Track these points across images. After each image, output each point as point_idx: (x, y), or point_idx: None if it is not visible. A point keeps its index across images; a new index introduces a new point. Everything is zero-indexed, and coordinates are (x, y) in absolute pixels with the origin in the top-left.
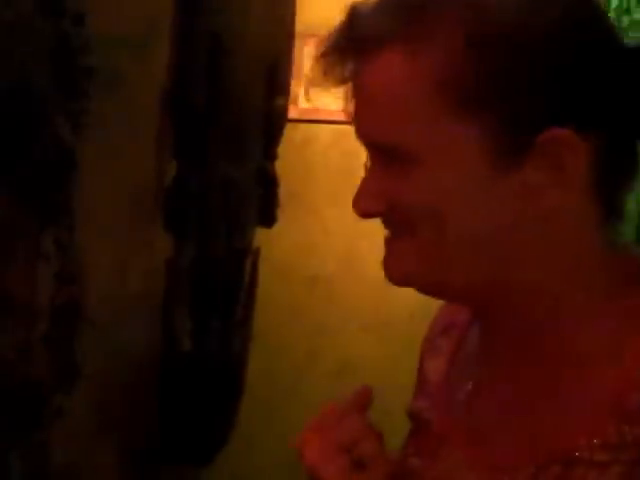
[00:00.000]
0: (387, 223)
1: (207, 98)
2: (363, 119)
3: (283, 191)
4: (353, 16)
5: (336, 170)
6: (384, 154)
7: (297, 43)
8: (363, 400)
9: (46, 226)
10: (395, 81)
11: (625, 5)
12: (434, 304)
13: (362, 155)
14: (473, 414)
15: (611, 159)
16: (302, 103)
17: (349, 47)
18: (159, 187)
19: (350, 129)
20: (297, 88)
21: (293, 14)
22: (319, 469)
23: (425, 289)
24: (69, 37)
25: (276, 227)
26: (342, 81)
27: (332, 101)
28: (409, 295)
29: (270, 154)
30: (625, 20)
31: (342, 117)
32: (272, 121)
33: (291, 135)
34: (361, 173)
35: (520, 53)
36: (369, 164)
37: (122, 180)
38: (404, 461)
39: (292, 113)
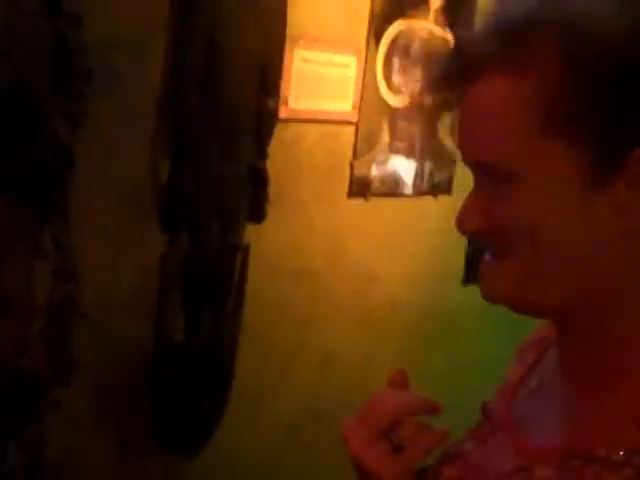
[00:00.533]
0: (487, 243)
1: (201, 99)
2: (467, 139)
3: (272, 189)
4: (458, 44)
5: (322, 169)
6: (487, 174)
7: (287, 45)
8: (399, 383)
9: (44, 224)
10: (497, 102)
11: None
12: (414, 299)
13: (347, 155)
14: (527, 407)
15: None
16: (292, 104)
17: (455, 73)
18: (154, 185)
19: (336, 128)
20: (287, 89)
21: (284, 16)
22: (361, 456)
23: (522, 307)
24: (67, 39)
25: (265, 224)
26: (450, 106)
27: (320, 102)
28: (390, 289)
29: (261, 153)
30: None
31: (329, 117)
32: (263, 121)
33: (281, 135)
34: (346, 172)
35: (616, 74)
36: (473, 184)
37: (118, 179)
38: (458, 443)
39: (282, 113)
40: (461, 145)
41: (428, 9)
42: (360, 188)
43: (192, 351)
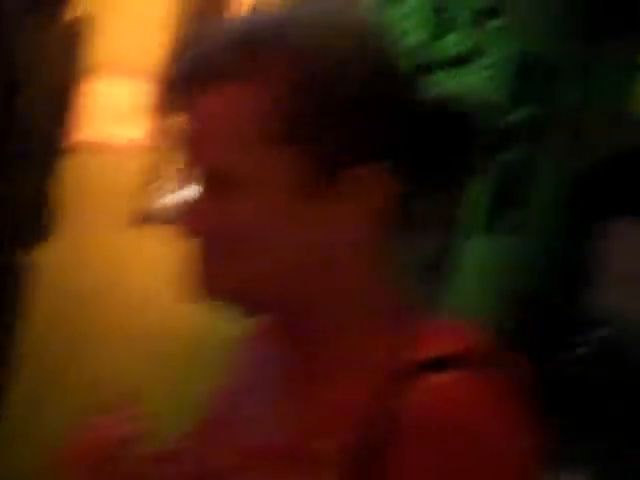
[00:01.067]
0: (208, 243)
1: None
2: (194, 144)
3: (59, 212)
4: (192, 52)
5: (110, 195)
6: (212, 179)
7: (82, 73)
8: (123, 411)
9: None
10: (222, 111)
11: None
12: (189, 324)
13: (136, 181)
14: (248, 406)
15: (412, 206)
16: (84, 130)
17: (187, 80)
18: None
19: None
20: (79, 116)
21: (80, 46)
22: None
23: (240, 305)
24: None
25: (49, 243)
26: (180, 110)
27: (112, 129)
28: (166, 314)
29: (49, 177)
30: None
31: (121, 144)
32: (53, 146)
33: (72, 159)
34: (134, 198)
35: (334, 99)
36: (201, 189)
37: None
38: (179, 442)
39: (73, 139)
40: (188, 149)
41: None
42: (147, 214)
43: None
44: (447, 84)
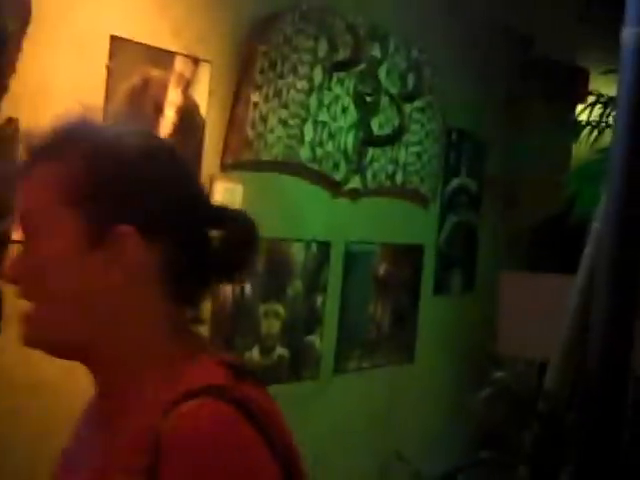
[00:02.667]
0: (22, 290)
1: None
2: (17, 206)
3: (8, 306)
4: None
5: None
6: (24, 232)
7: None
8: None
9: None
10: (36, 180)
11: (318, 139)
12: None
13: None
14: (76, 454)
15: (176, 261)
16: None
17: (28, 158)
18: None
19: None
20: None
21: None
22: None
23: (46, 347)
24: None
25: (1, 339)
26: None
27: None
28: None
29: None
30: (319, 151)
31: None
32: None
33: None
34: None
35: (104, 180)
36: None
37: None
38: None
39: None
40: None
41: None
42: None
43: None
44: (380, 161)
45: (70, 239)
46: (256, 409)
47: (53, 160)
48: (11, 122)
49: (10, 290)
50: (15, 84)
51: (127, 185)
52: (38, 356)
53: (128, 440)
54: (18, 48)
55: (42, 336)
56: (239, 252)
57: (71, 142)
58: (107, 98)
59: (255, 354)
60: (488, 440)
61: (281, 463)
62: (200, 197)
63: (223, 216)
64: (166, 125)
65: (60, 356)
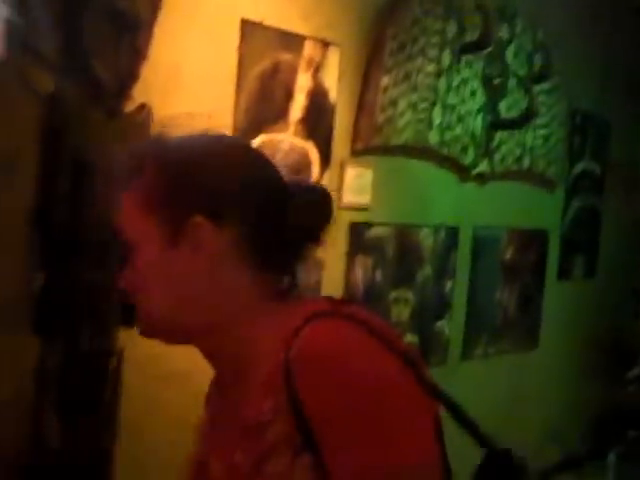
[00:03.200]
0: (132, 296)
1: (70, 212)
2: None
3: None
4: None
5: None
6: (127, 250)
7: None
8: None
9: None
10: (127, 204)
11: (446, 123)
12: None
13: None
14: (211, 427)
15: (252, 237)
16: None
17: (120, 183)
18: (27, 295)
19: None
20: None
21: (144, 139)
22: None
23: (163, 337)
24: None
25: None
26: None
27: None
28: None
29: None
30: (447, 135)
31: None
32: None
33: None
34: None
35: (182, 178)
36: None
37: None
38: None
39: None
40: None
41: (288, 122)
42: None
43: (69, 456)
44: (508, 145)
45: (157, 242)
46: (370, 322)
47: (134, 179)
48: (143, 108)
49: None
50: (146, 70)
51: (195, 180)
52: (168, 350)
53: (258, 391)
54: (150, 34)
55: (155, 328)
56: (314, 218)
57: (147, 159)
58: (238, 83)
59: None
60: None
61: (404, 361)
62: (271, 179)
63: (295, 190)
64: (296, 110)
65: (175, 342)
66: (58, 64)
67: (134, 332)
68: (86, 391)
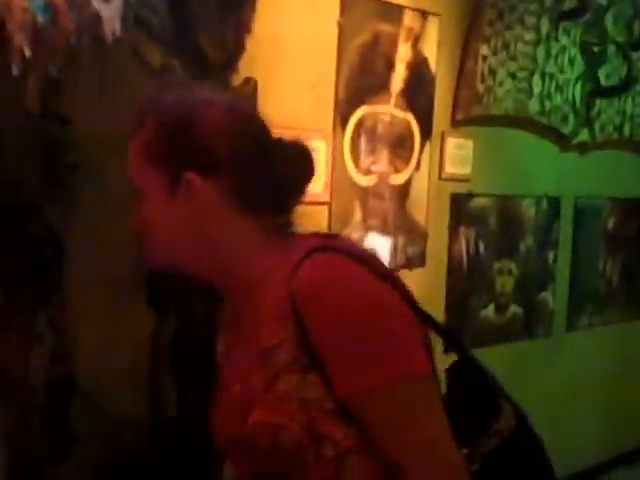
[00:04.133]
0: (141, 234)
1: None
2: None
3: None
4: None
5: None
6: (137, 192)
7: None
8: None
9: (39, 308)
10: (132, 154)
11: (546, 92)
12: None
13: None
14: (230, 353)
15: (241, 190)
16: None
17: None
18: (141, 266)
19: (310, 209)
20: None
21: (255, 107)
22: None
23: (168, 271)
24: (55, 137)
25: None
26: None
27: None
28: None
29: None
30: (547, 104)
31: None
32: None
33: None
34: None
35: (177, 135)
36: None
37: (107, 262)
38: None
39: None
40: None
41: (389, 94)
42: None
43: (185, 425)
44: (608, 113)
45: (159, 192)
46: (358, 253)
47: (138, 132)
48: (249, 82)
49: None
50: (250, 44)
51: (188, 140)
52: None
53: (268, 317)
54: (253, 8)
55: (157, 264)
56: (295, 172)
57: (147, 114)
58: (339, 55)
59: (490, 312)
60: None
61: (390, 284)
62: (257, 136)
63: (278, 145)
64: (397, 81)
65: (179, 274)
66: (168, 39)
67: None
68: (199, 360)
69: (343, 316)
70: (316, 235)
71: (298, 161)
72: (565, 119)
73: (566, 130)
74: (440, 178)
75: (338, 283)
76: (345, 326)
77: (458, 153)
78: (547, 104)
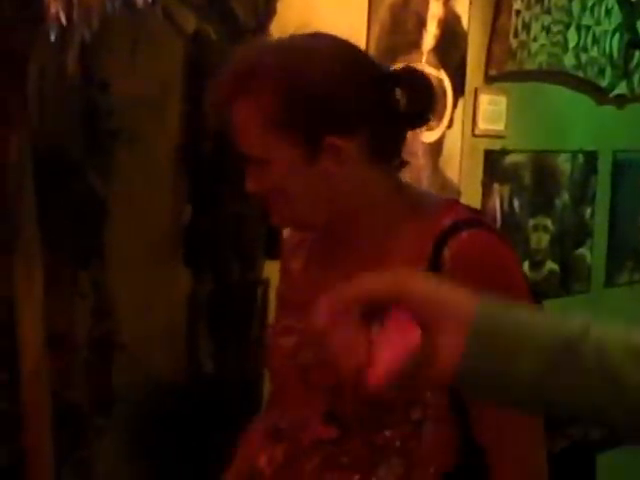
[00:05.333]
0: (266, 198)
1: (215, 148)
2: (236, 139)
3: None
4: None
5: None
6: (252, 159)
7: None
8: None
9: (82, 268)
10: (244, 115)
11: (582, 45)
12: None
13: None
14: (317, 283)
15: (375, 139)
16: None
17: (231, 88)
18: (177, 228)
19: None
20: None
21: None
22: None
23: (297, 228)
24: (95, 102)
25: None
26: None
27: None
28: None
29: None
30: (583, 57)
31: None
32: None
33: None
34: None
35: (309, 99)
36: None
37: (146, 225)
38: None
39: None
40: (235, 143)
41: (421, 52)
42: None
43: (222, 382)
44: None
45: (291, 157)
46: (502, 234)
47: (246, 95)
48: None
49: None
50: (281, 6)
51: (319, 100)
52: None
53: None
54: None
55: (292, 221)
56: (422, 101)
57: (257, 74)
58: (370, 13)
59: (525, 268)
60: None
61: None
62: (380, 77)
63: (401, 79)
64: (429, 39)
65: (307, 231)
66: (200, 4)
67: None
68: (236, 319)
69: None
70: (455, 202)
71: (419, 88)
72: (602, 72)
73: (603, 83)
74: (473, 135)
75: (501, 268)
76: None
77: (492, 109)
78: (583, 57)
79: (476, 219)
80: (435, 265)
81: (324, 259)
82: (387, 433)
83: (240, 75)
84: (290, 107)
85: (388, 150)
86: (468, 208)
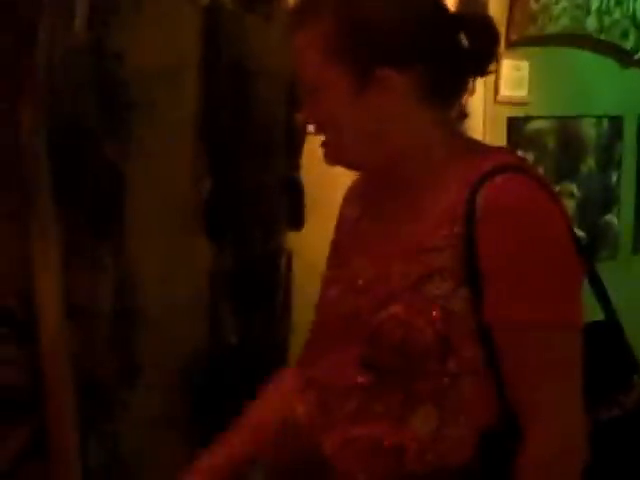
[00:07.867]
0: (318, 130)
1: (234, 118)
2: (297, 70)
3: (308, 198)
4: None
5: (353, 176)
6: (307, 88)
7: None
8: None
9: (104, 241)
10: (303, 45)
11: (605, 7)
12: None
13: None
14: (365, 234)
15: (430, 76)
16: None
17: (292, 22)
18: (198, 200)
19: None
20: None
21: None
22: None
23: (347, 165)
24: (111, 74)
25: (305, 231)
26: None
27: None
28: None
29: (294, 164)
30: (606, 20)
31: None
32: (294, 134)
33: (313, 146)
34: None
35: (364, 28)
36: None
37: (165, 196)
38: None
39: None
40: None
41: None
42: None
43: (246, 352)
44: None
45: (343, 89)
46: (542, 178)
47: (308, 22)
48: None
49: (311, 182)
50: None
51: (375, 30)
52: None
53: (435, 218)
54: None
55: (342, 158)
56: (484, 41)
57: (320, 3)
58: None
59: None
60: None
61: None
62: (440, 14)
63: (465, 22)
64: (448, 3)
65: (356, 169)
66: None
67: (302, 234)
68: (259, 289)
69: (521, 250)
70: (509, 151)
71: (484, 29)
72: (625, 34)
73: (627, 46)
74: (496, 101)
75: (530, 214)
76: (519, 260)
77: (514, 75)
78: (606, 20)
79: (516, 164)
80: (469, 213)
81: (375, 212)
82: (422, 384)
83: (302, 3)
84: (344, 35)
85: (445, 92)
86: (515, 155)
